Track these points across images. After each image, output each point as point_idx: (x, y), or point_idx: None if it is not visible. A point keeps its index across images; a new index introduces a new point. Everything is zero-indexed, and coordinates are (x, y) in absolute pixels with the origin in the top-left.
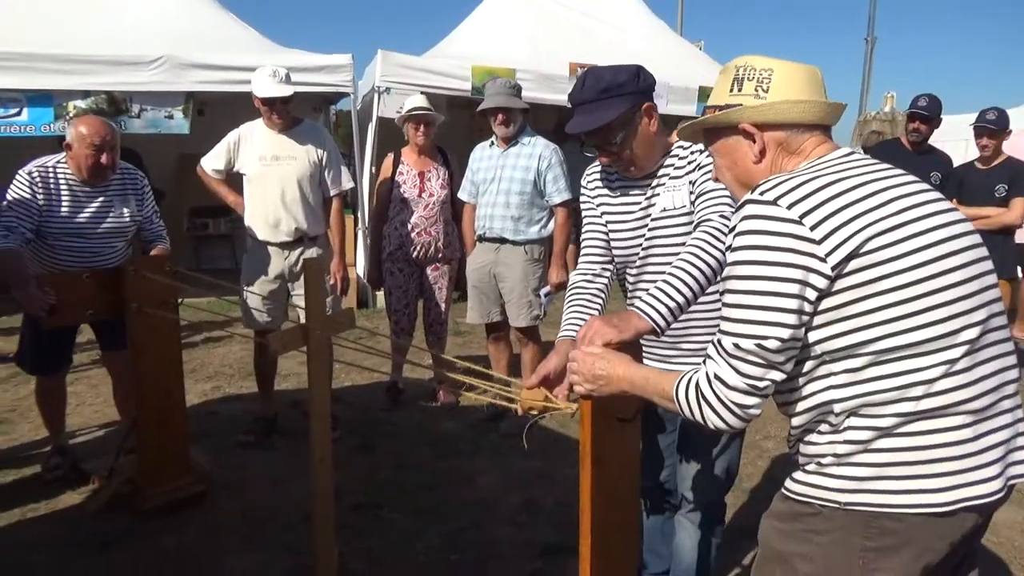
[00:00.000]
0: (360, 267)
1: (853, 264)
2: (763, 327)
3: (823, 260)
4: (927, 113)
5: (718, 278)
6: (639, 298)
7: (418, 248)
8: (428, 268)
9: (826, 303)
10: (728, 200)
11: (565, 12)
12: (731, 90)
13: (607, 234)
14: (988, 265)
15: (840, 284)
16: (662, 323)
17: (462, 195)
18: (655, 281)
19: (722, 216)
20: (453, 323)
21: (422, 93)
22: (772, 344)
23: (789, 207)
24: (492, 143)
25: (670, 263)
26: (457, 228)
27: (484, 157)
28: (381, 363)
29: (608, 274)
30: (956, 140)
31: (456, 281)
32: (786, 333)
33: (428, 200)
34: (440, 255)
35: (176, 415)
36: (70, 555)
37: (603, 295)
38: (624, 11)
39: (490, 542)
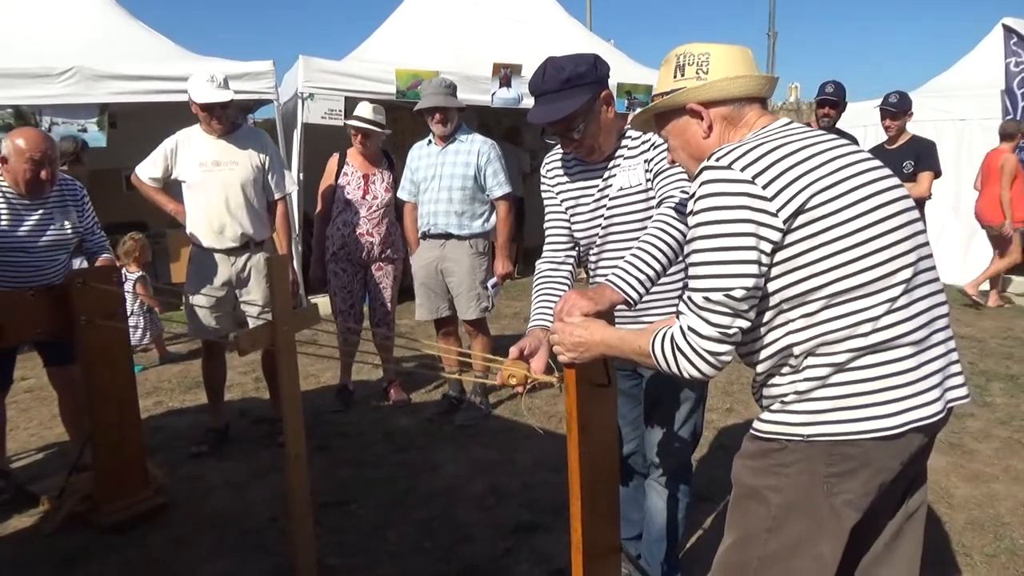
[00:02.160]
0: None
1: (801, 219)
2: (728, 279)
3: (775, 215)
4: (835, 98)
5: (684, 250)
6: (612, 272)
7: (362, 249)
8: (372, 267)
9: (780, 255)
10: (685, 175)
11: (483, 13)
12: (674, 76)
13: (568, 220)
14: (915, 214)
15: (791, 237)
16: (634, 295)
17: (402, 195)
18: (616, 259)
19: (683, 191)
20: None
21: (370, 102)
22: (738, 293)
23: (742, 170)
24: (429, 141)
25: (630, 240)
26: (400, 228)
27: (423, 156)
28: (326, 368)
29: (572, 261)
30: (856, 126)
31: (400, 283)
32: (749, 282)
33: (372, 202)
34: (384, 255)
35: (131, 428)
36: (30, 574)
37: (569, 282)
38: (540, 11)
39: (461, 526)
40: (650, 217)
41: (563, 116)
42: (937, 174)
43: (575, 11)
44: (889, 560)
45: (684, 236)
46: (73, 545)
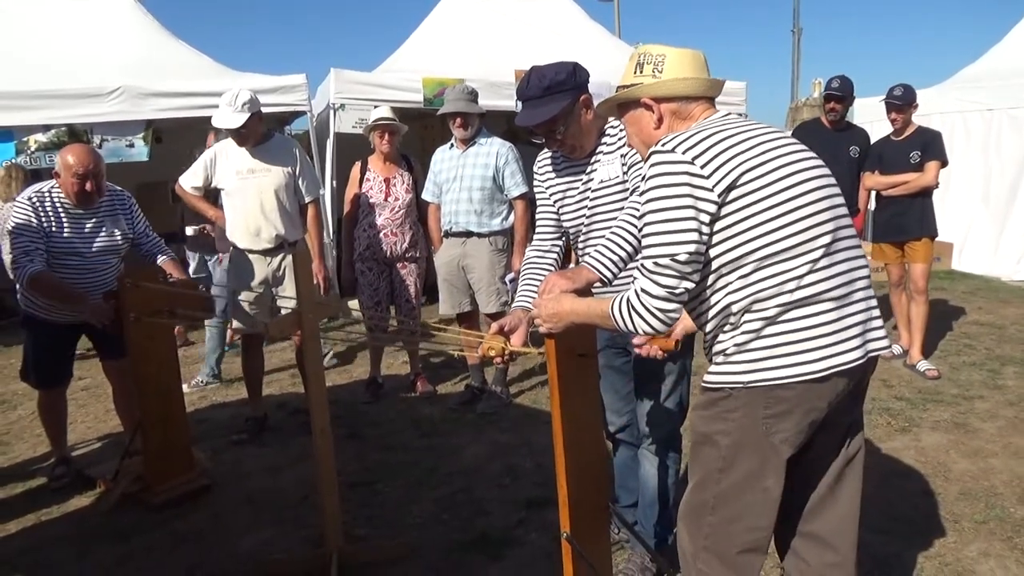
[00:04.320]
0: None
1: (733, 193)
2: (673, 246)
3: (711, 190)
4: (840, 93)
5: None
6: (588, 254)
7: (386, 248)
8: (397, 266)
9: (717, 225)
10: None
11: (508, 22)
12: (635, 72)
13: (557, 213)
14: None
15: (725, 209)
16: (608, 273)
17: (426, 196)
18: (600, 243)
19: None
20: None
21: (398, 110)
22: (682, 257)
23: (683, 153)
24: (452, 145)
25: (610, 226)
26: (423, 228)
27: (445, 159)
28: (357, 364)
29: (557, 250)
30: (877, 120)
31: (424, 280)
32: (692, 248)
33: (394, 204)
34: (407, 254)
35: (177, 414)
36: (89, 546)
37: (553, 268)
38: (564, 18)
39: (478, 501)
40: None
41: (544, 120)
42: (943, 163)
43: (604, 16)
44: (833, 500)
45: None
46: (126, 521)
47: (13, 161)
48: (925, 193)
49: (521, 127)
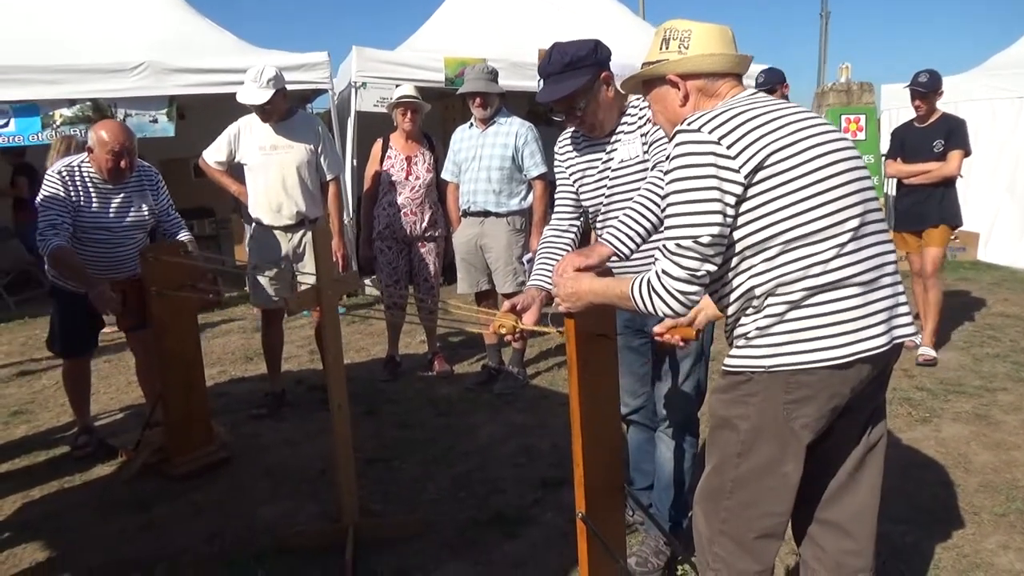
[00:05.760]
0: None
1: (760, 174)
2: (696, 227)
3: (737, 171)
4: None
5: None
6: (605, 230)
7: (406, 227)
8: (416, 245)
9: (743, 206)
10: None
11: (531, 2)
12: (660, 48)
13: (576, 194)
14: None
15: (752, 191)
16: (623, 248)
17: (445, 175)
18: None
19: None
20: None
21: (419, 89)
22: (705, 239)
23: (710, 132)
24: (471, 125)
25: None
26: (443, 208)
27: (464, 138)
28: (375, 343)
29: (575, 230)
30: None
31: (443, 260)
32: (715, 230)
33: (414, 183)
34: (427, 233)
35: (198, 387)
36: (111, 513)
37: (570, 247)
38: None
39: (493, 480)
40: None
41: (564, 95)
42: (967, 153)
43: None
44: (854, 487)
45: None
46: (147, 490)
47: (72, 133)
48: (948, 182)
49: (543, 105)
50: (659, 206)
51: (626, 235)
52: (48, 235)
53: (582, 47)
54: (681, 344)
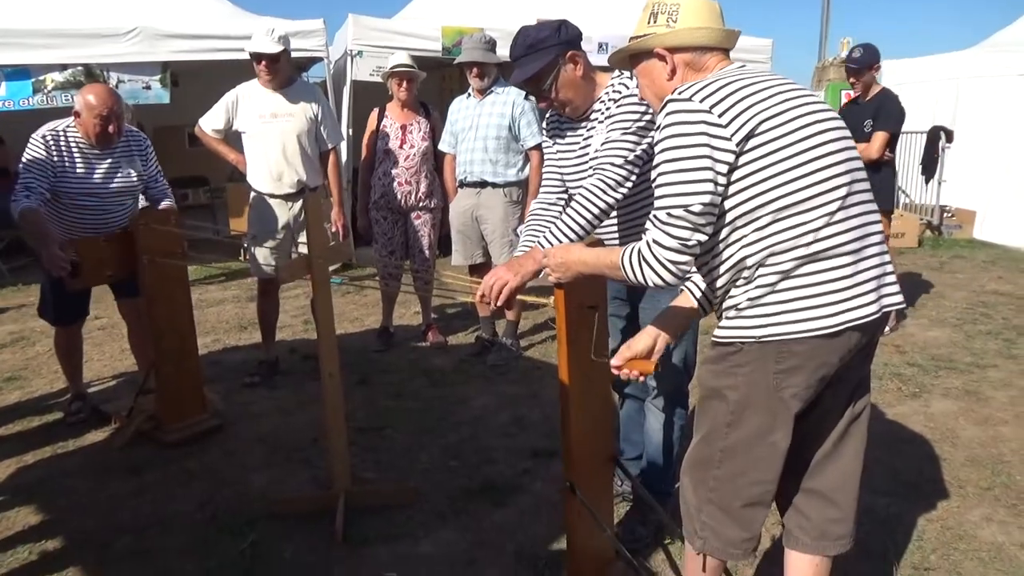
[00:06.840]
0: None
1: (751, 143)
2: (687, 196)
3: (728, 140)
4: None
5: (603, 221)
6: (543, 235)
7: (400, 197)
8: (411, 215)
9: (735, 175)
10: (623, 151)
11: None
12: (648, 22)
13: (561, 169)
14: (850, 142)
15: (743, 159)
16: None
17: (443, 147)
18: None
19: (613, 165)
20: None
21: (416, 58)
22: (696, 208)
23: (701, 101)
24: (469, 95)
25: None
26: (439, 178)
27: (462, 108)
28: (369, 313)
29: (563, 203)
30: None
31: (439, 231)
32: (706, 199)
33: (409, 151)
34: (422, 204)
35: (190, 355)
36: (105, 478)
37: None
38: None
39: (485, 450)
40: None
41: (526, 77)
42: (891, 133)
43: None
44: (837, 456)
45: (607, 207)
46: (140, 456)
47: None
48: (876, 165)
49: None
50: (592, 214)
51: (571, 229)
52: (19, 197)
53: (544, 28)
54: (641, 379)
